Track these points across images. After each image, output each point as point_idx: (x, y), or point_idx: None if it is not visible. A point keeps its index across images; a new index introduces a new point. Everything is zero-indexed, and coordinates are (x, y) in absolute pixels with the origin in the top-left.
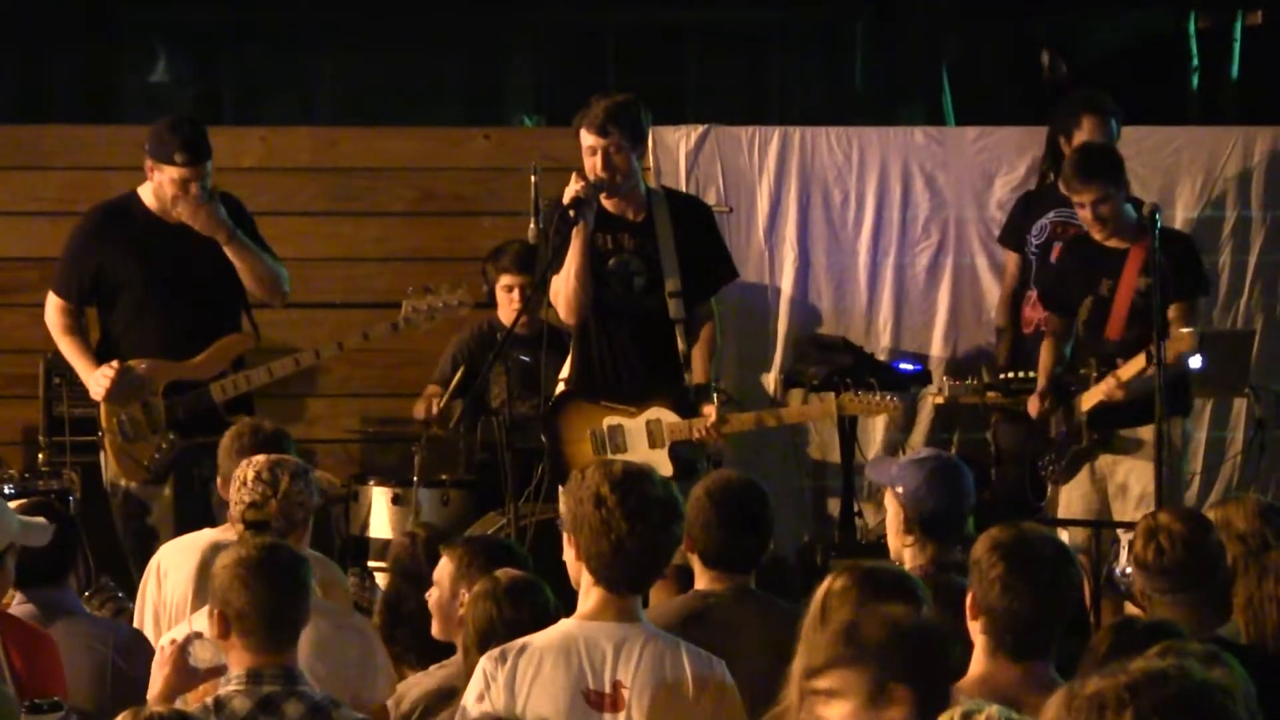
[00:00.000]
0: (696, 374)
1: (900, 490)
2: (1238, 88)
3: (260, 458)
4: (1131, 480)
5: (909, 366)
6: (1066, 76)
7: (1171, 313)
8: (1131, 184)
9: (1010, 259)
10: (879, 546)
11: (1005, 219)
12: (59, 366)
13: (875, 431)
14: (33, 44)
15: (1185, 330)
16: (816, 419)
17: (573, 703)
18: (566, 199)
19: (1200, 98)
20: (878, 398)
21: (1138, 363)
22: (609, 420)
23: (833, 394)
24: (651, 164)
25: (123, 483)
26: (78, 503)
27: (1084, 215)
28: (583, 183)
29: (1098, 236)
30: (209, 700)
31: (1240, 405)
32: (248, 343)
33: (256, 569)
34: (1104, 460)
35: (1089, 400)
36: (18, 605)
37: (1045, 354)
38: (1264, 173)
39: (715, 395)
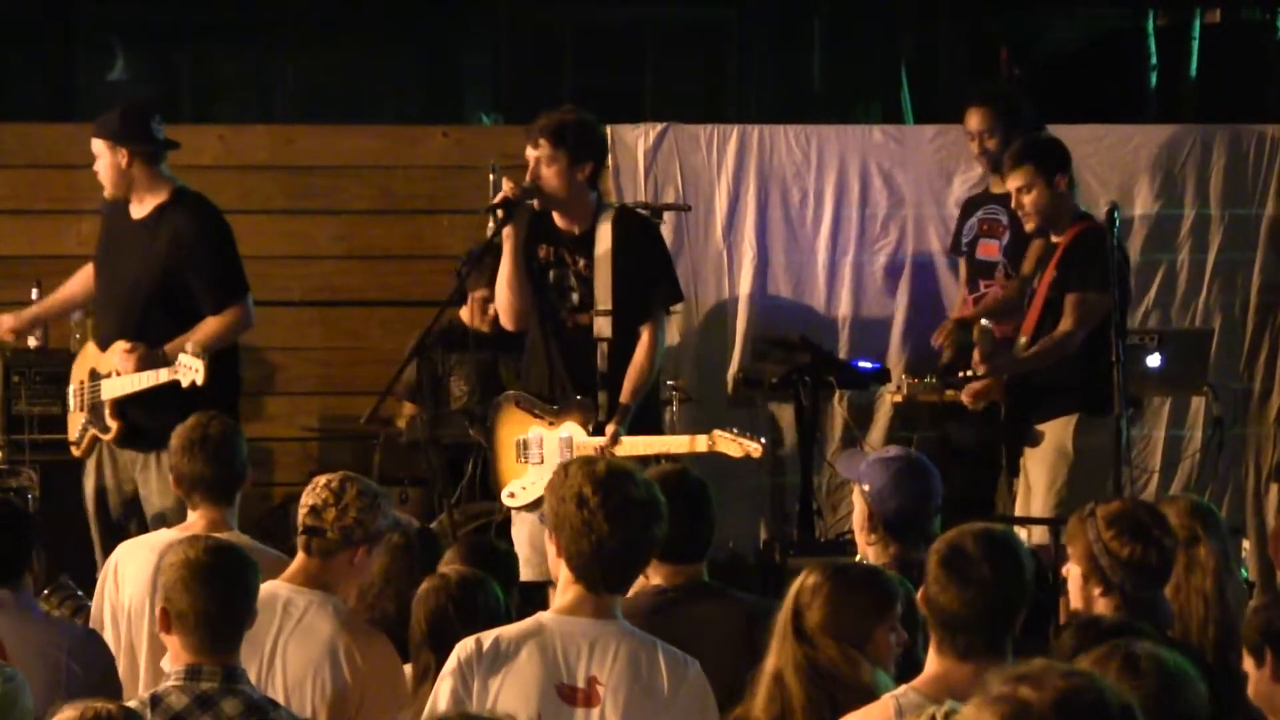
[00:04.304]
0: (622, 393)
1: (867, 488)
2: (1196, 86)
3: (340, 472)
4: (1035, 474)
5: (868, 365)
6: (1025, 74)
7: (1064, 303)
8: (1091, 182)
9: (961, 265)
10: (838, 544)
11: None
12: (18, 364)
13: (835, 430)
14: None
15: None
16: (695, 451)
17: (545, 696)
18: (495, 200)
19: (1159, 96)
20: (747, 440)
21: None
22: (533, 429)
23: (706, 435)
24: (610, 163)
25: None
26: (37, 500)
27: (1014, 202)
28: (512, 185)
29: (1027, 227)
30: (145, 695)
31: (1199, 404)
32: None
33: (199, 572)
34: (1026, 453)
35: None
36: None
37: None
38: (1222, 171)
39: (620, 414)
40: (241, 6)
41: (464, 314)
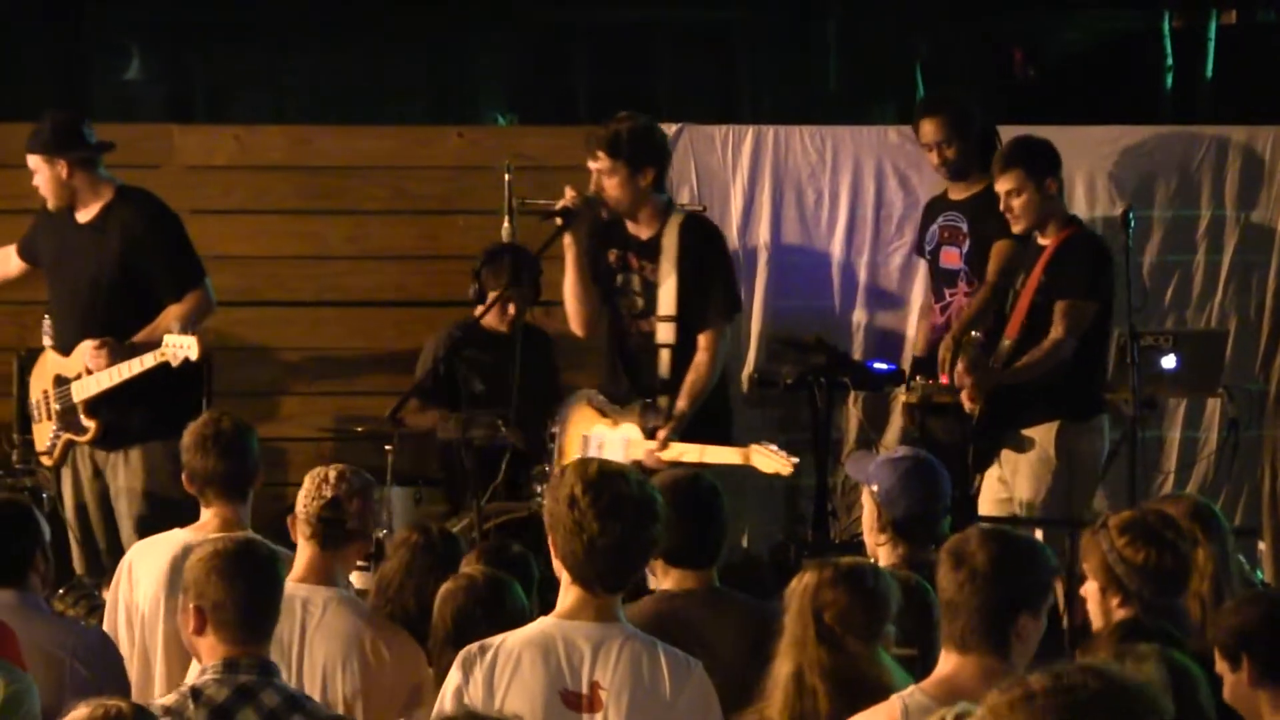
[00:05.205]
0: (679, 399)
1: (875, 489)
2: (1212, 87)
3: (337, 465)
4: (1018, 481)
5: (883, 365)
6: (1039, 76)
7: (1054, 311)
8: (1106, 184)
9: (923, 268)
10: (853, 545)
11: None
12: (32, 364)
13: (849, 430)
14: (2, 41)
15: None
16: (731, 463)
17: (549, 702)
18: (557, 205)
19: (1174, 97)
20: (781, 457)
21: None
22: (597, 426)
23: (747, 448)
24: None
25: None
26: (51, 500)
27: (1003, 205)
28: (574, 194)
29: (1015, 229)
30: (185, 689)
31: (1214, 405)
32: (110, 344)
33: (233, 562)
34: (1005, 455)
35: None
36: None
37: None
38: (1238, 172)
39: (676, 420)
40: (255, 7)
41: (491, 319)
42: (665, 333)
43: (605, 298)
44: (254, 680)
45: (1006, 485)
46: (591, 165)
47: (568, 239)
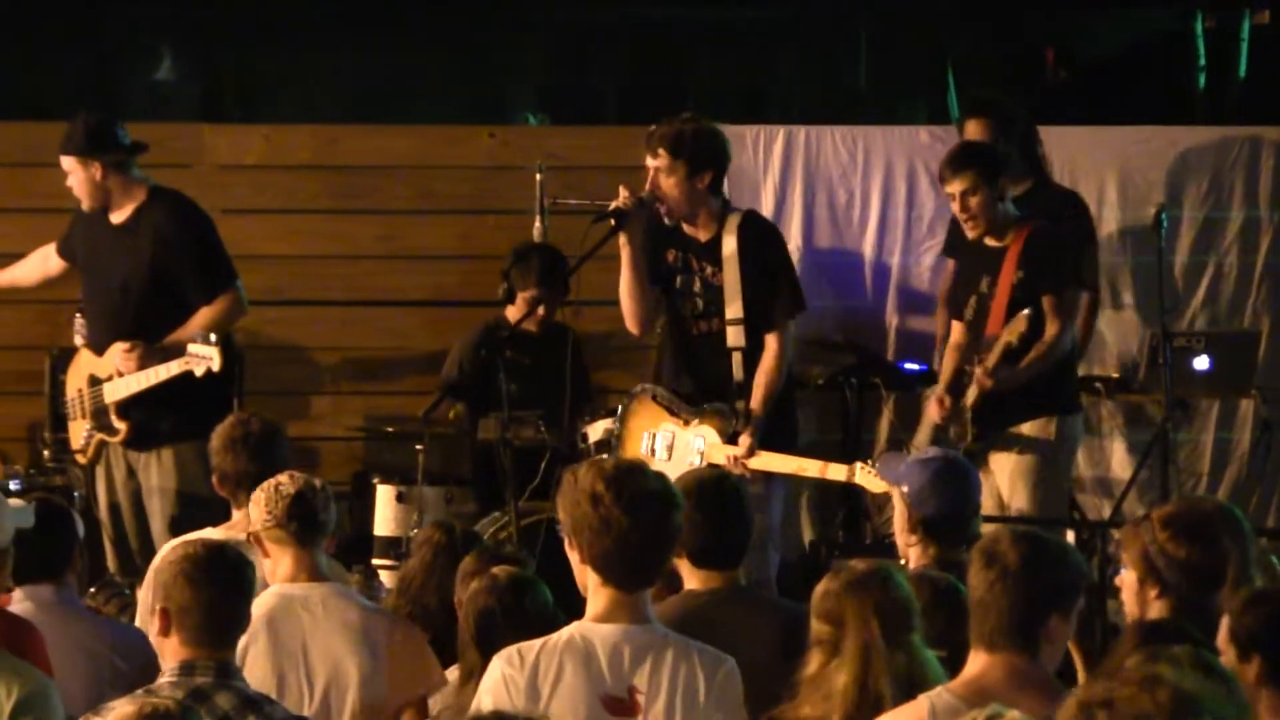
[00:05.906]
0: (753, 402)
1: (905, 490)
2: (1245, 88)
3: (285, 472)
4: (1014, 482)
5: (914, 366)
6: (1070, 76)
7: (1044, 305)
8: (1138, 184)
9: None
10: (884, 546)
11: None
12: (64, 363)
13: (880, 431)
14: (34, 41)
15: (1023, 312)
16: (835, 480)
17: (591, 708)
18: (610, 206)
19: (1207, 98)
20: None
21: (998, 349)
22: (665, 424)
23: (852, 465)
24: None
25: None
26: (83, 499)
27: (954, 208)
28: (627, 194)
29: (970, 233)
30: (139, 692)
31: (1247, 406)
32: (140, 347)
33: (202, 567)
34: (993, 458)
35: (970, 396)
36: (16, 603)
37: (947, 359)
38: (1271, 173)
39: (755, 424)
40: (286, 6)
41: (510, 313)
42: (735, 336)
43: (665, 298)
44: (209, 683)
45: (991, 491)
46: (650, 162)
47: (622, 239)
